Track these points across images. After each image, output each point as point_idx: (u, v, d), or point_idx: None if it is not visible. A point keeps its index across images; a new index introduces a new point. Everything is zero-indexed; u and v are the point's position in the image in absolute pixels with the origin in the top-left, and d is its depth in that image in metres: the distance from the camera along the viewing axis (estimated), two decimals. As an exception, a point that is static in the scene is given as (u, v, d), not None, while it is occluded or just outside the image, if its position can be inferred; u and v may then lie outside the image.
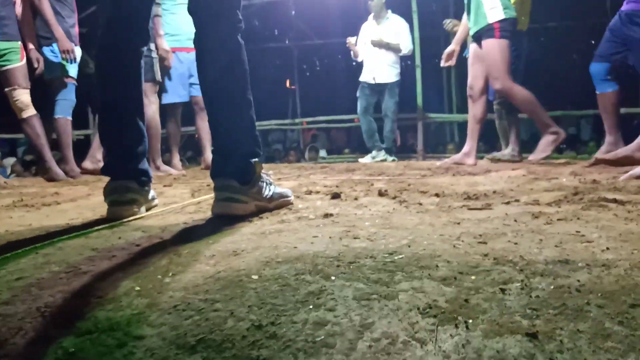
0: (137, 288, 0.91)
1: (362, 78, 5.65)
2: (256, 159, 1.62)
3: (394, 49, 5.47)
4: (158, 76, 3.85)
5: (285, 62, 11.07)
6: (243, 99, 1.61)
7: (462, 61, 5.09)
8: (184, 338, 0.75)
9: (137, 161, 1.70)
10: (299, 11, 9.91)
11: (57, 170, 3.55)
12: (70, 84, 3.73)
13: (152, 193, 1.82)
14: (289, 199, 1.74)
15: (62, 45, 3.57)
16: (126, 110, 1.68)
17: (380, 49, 5.46)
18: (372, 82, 5.55)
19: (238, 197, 1.56)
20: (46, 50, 3.67)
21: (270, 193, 1.65)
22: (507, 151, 4.07)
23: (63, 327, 0.79)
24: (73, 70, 3.72)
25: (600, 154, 3.05)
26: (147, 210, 1.74)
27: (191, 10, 1.60)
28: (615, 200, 1.52)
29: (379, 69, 5.51)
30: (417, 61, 6.62)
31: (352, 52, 5.72)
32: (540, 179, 2.28)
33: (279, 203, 1.68)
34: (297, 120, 9.42)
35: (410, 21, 6.64)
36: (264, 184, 1.64)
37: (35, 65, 3.58)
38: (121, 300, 0.87)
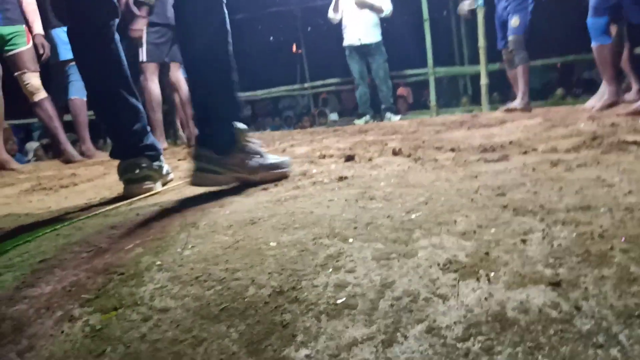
0: (158, 262, 0.91)
1: (346, 42, 5.64)
2: (240, 127, 1.54)
3: (377, 9, 5.43)
4: (142, 56, 3.75)
5: (290, 25, 10.86)
6: (226, 61, 1.53)
7: (470, 12, 4.95)
8: (207, 308, 0.76)
9: (139, 137, 1.69)
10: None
11: (73, 151, 3.59)
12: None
13: (166, 167, 1.82)
14: (283, 170, 1.60)
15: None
16: (110, 89, 1.64)
17: (362, 10, 5.39)
18: (358, 43, 5.52)
19: (211, 167, 1.49)
20: (59, 31, 3.62)
21: (257, 164, 1.54)
22: (517, 102, 4.02)
23: (88, 306, 0.81)
24: None
25: (601, 105, 2.95)
26: (163, 185, 1.75)
27: None
28: (635, 143, 1.48)
29: (363, 30, 5.47)
30: (425, 15, 6.45)
31: (332, 6, 5.59)
32: (557, 126, 2.23)
33: (268, 175, 1.55)
34: (306, 85, 9.31)
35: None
36: (248, 154, 1.53)
37: (41, 51, 3.55)
38: (143, 275, 0.88)
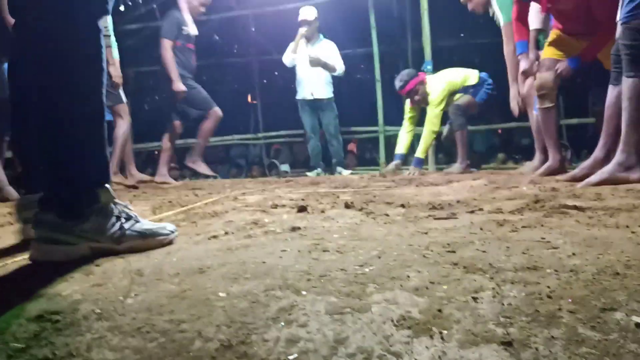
0: (98, 310, 0.86)
1: (299, 96, 5.80)
2: (102, 186, 1.28)
3: (330, 68, 5.65)
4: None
5: (246, 77, 11.01)
6: (88, 106, 1.25)
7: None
8: (148, 362, 0.71)
9: None
10: (259, 27, 9.91)
11: (10, 189, 3.40)
12: None
13: None
14: (160, 238, 1.33)
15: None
16: None
17: (316, 67, 5.59)
18: (311, 97, 5.69)
19: (58, 236, 1.21)
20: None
21: (122, 231, 1.27)
22: (455, 165, 4.29)
23: (17, 356, 0.74)
24: None
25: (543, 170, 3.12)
26: None
27: None
28: (575, 207, 1.56)
29: (316, 85, 5.65)
30: (377, 75, 6.73)
31: (290, 49, 5.74)
32: (501, 187, 2.32)
33: (137, 244, 1.28)
34: (259, 135, 9.37)
35: (369, 37, 6.76)
36: (112, 218, 1.27)
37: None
38: (80, 324, 0.82)
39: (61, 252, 1.21)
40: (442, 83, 4.49)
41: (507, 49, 3.77)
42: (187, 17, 4.49)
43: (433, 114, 4.47)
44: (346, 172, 5.62)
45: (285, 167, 8.33)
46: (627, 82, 2.18)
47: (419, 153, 4.55)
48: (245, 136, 9.22)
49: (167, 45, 4.43)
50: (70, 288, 0.98)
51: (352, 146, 9.75)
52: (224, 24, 9.76)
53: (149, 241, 1.31)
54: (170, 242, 1.36)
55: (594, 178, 2.22)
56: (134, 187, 3.91)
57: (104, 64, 1.29)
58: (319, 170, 5.77)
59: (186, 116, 4.74)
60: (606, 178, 2.18)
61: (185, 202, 2.40)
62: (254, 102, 11.18)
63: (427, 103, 4.56)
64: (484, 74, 4.49)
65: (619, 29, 2.21)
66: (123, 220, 1.29)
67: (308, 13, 5.65)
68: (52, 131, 1.23)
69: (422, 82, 4.54)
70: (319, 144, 5.89)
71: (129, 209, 1.34)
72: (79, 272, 1.09)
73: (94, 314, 0.85)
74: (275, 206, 2.00)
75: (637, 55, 2.15)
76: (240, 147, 11.01)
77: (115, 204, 1.30)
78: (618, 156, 2.21)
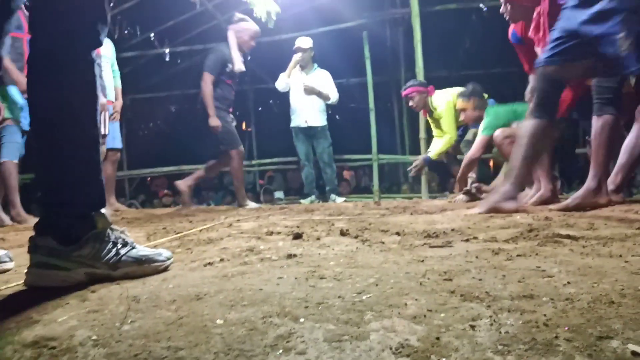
0: (94, 337, 0.85)
1: (294, 124, 5.82)
2: (98, 211, 1.29)
3: (324, 97, 5.72)
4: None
5: (241, 104, 11.12)
6: (82, 132, 1.28)
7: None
8: (146, 389, 0.70)
9: None
10: (255, 56, 10.05)
11: (3, 215, 3.38)
12: (15, 127, 3.60)
13: None
14: (156, 265, 1.33)
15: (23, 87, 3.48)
16: None
17: (310, 95, 5.66)
18: (305, 125, 5.72)
19: (54, 261, 1.21)
20: None
21: (118, 257, 1.28)
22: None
23: (11, 383, 0.73)
24: (18, 111, 3.61)
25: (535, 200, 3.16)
26: None
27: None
28: (569, 236, 1.58)
29: (310, 113, 5.70)
30: (371, 104, 6.82)
31: (288, 71, 5.80)
32: (494, 216, 2.33)
33: (133, 270, 1.28)
34: (253, 162, 9.40)
35: (363, 67, 6.87)
36: (108, 244, 1.28)
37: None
38: (77, 350, 0.81)
39: (57, 278, 1.20)
40: (448, 96, 4.70)
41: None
42: (235, 54, 4.52)
43: (448, 140, 4.78)
44: (340, 200, 5.63)
45: (279, 194, 8.34)
46: (530, 122, 2.41)
47: (432, 154, 4.74)
48: (240, 163, 9.21)
49: (208, 79, 4.45)
50: (66, 314, 0.98)
51: (346, 174, 9.81)
52: (220, 52, 9.90)
53: (144, 267, 1.31)
54: (166, 269, 1.36)
55: (480, 207, 2.46)
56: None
57: (98, 92, 1.33)
58: (313, 197, 5.78)
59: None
60: (490, 207, 2.41)
61: (179, 228, 2.39)
62: (249, 129, 11.26)
63: (420, 109, 5.02)
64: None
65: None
66: (119, 246, 1.29)
67: (303, 42, 5.75)
68: (48, 155, 1.27)
69: (422, 92, 4.85)
70: (313, 171, 5.92)
71: (125, 234, 1.34)
72: (74, 299, 1.09)
73: (90, 341, 0.84)
74: (271, 233, 2.00)
75: (541, 99, 2.38)
76: (233, 174, 11.04)
77: (112, 229, 1.31)
78: (505, 187, 2.45)
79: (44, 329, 0.91)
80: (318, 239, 1.80)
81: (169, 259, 1.38)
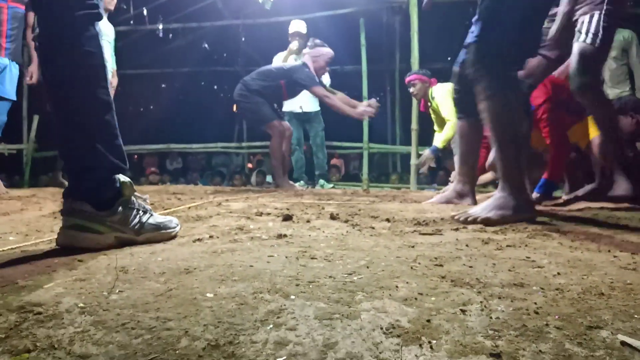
0: (81, 305, 0.84)
1: (287, 108, 5.74)
2: (124, 179, 1.37)
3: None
4: None
5: (233, 86, 11.03)
6: (94, 100, 1.34)
7: (406, 96, 5.27)
8: (133, 357, 0.69)
9: None
10: (249, 38, 9.95)
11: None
12: (3, 103, 3.57)
13: None
14: (170, 231, 1.44)
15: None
16: None
17: None
18: (299, 110, 5.69)
19: (90, 225, 1.29)
20: None
21: (141, 223, 1.38)
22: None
23: (-5, 346, 0.72)
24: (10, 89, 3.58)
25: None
26: None
27: None
28: (557, 230, 1.59)
29: (304, 98, 5.66)
30: (365, 93, 6.79)
31: (285, 58, 5.75)
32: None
33: (153, 236, 1.39)
34: (243, 144, 9.34)
35: (359, 54, 6.84)
36: (134, 210, 1.37)
37: None
38: (63, 317, 0.80)
39: (92, 240, 1.29)
40: (447, 86, 4.69)
41: None
42: None
43: (452, 125, 4.68)
44: (328, 186, 5.63)
45: (269, 178, 8.32)
46: (458, 124, 2.58)
47: (438, 142, 4.68)
48: (230, 144, 9.17)
49: (320, 90, 4.44)
50: (52, 281, 0.96)
51: (335, 161, 9.79)
52: (215, 33, 9.78)
53: (162, 233, 1.42)
54: (175, 236, 1.46)
55: (435, 199, 2.61)
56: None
57: (105, 62, 1.38)
58: (302, 182, 5.77)
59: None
60: (445, 202, 2.55)
61: (167, 205, 2.37)
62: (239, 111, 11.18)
63: (419, 98, 4.88)
64: None
65: None
66: (142, 213, 1.39)
67: (302, 26, 5.68)
68: (65, 125, 1.35)
69: (425, 82, 4.79)
70: (303, 156, 5.90)
71: (146, 202, 1.43)
72: (61, 267, 1.07)
73: (77, 308, 0.83)
74: (260, 214, 1.99)
75: (457, 100, 2.59)
76: (222, 155, 10.96)
77: (135, 197, 1.39)
78: (455, 185, 2.61)
79: (29, 295, 0.89)
80: (308, 221, 1.80)
81: (177, 226, 1.49)
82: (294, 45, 5.62)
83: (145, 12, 8.35)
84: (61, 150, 1.39)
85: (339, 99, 4.47)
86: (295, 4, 7.28)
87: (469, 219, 1.76)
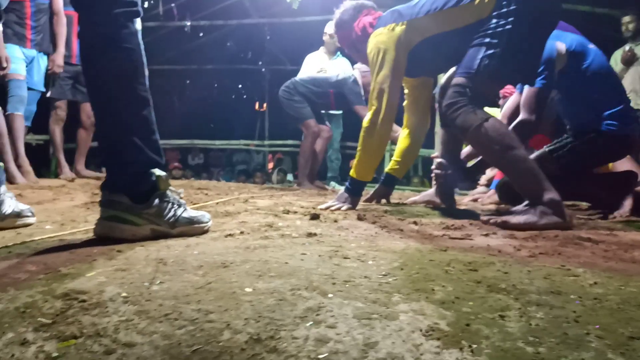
0: (124, 294, 0.86)
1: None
2: (160, 173, 1.40)
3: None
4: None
5: (257, 84, 11.10)
6: (132, 96, 1.38)
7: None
8: (177, 348, 0.71)
9: None
10: (274, 37, 9.99)
11: (16, 173, 3.40)
12: (19, 81, 3.66)
13: (10, 205, 1.58)
14: (202, 225, 1.47)
15: (59, 60, 3.81)
16: None
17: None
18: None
19: (127, 216, 1.33)
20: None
21: (176, 217, 1.41)
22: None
23: (44, 331, 0.74)
24: (22, 67, 3.69)
25: None
26: (2, 227, 1.52)
27: None
28: (589, 240, 1.57)
29: None
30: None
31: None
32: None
33: (187, 230, 1.42)
34: (266, 142, 9.39)
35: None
36: (169, 204, 1.40)
37: (4, 64, 3.45)
38: (107, 305, 0.82)
39: (129, 232, 1.32)
40: None
41: None
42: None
43: None
44: (340, 187, 5.59)
45: (289, 177, 8.36)
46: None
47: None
48: (252, 142, 9.23)
49: (363, 111, 4.35)
50: (94, 270, 0.99)
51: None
52: (240, 30, 9.85)
53: (195, 227, 1.44)
54: (207, 230, 1.48)
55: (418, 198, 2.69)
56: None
57: (143, 58, 1.41)
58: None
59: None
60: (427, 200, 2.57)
61: (195, 200, 2.40)
62: (262, 109, 11.24)
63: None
64: None
65: None
66: (176, 206, 1.41)
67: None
68: (104, 120, 1.40)
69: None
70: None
71: (180, 196, 1.45)
72: (100, 256, 1.09)
73: (120, 297, 0.85)
74: (287, 212, 2.00)
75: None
76: (242, 153, 11.04)
77: (170, 191, 1.43)
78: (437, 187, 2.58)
79: (72, 282, 0.92)
80: (335, 221, 1.80)
81: (209, 221, 1.51)
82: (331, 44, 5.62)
83: (174, 8, 8.43)
84: (100, 144, 1.44)
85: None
86: (324, 4, 7.29)
87: (498, 222, 1.76)
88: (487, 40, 1.90)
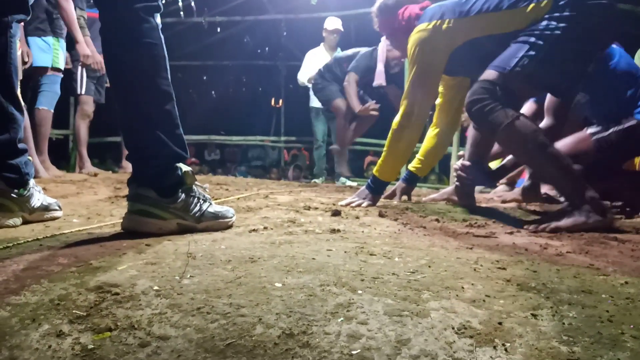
0: (156, 287, 0.87)
1: (315, 104, 5.66)
2: (186, 168, 1.42)
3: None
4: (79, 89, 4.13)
5: (273, 80, 11.09)
6: (155, 90, 1.37)
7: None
8: (211, 341, 0.71)
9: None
10: (291, 33, 9.97)
11: (39, 166, 3.45)
12: (56, 76, 3.69)
13: (39, 199, 1.55)
14: (227, 220, 1.47)
15: (83, 50, 3.74)
16: None
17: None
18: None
19: (154, 211, 1.34)
20: (37, 39, 3.61)
21: (201, 211, 1.42)
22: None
23: (79, 323, 0.75)
24: (62, 62, 3.70)
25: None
26: (30, 221, 1.51)
27: None
28: (616, 239, 1.54)
29: None
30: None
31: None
32: (533, 211, 2.30)
33: (212, 224, 1.43)
34: (283, 138, 9.40)
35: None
36: (194, 198, 1.41)
37: (26, 59, 3.49)
38: (140, 298, 0.83)
39: (155, 225, 1.33)
40: None
41: None
42: (380, 67, 4.66)
43: None
44: (351, 183, 5.54)
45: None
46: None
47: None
48: (268, 138, 9.25)
49: (352, 79, 4.70)
50: (125, 264, 1.00)
51: (370, 159, 9.75)
52: (256, 26, 9.85)
53: (220, 222, 1.45)
54: (232, 225, 1.49)
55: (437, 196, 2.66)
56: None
57: (165, 53, 1.41)
58: (322, 178, 5.73)
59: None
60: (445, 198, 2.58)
61: (217, 195, 2.41)
62: (278, 105, 11.25)
63: None
64: None
65: None
66: (202, 201, 1.41)
67: (340, 23, 5.67)
68: (128, 115, 1.39)
69: None
70: (325, 153, 5.88)
71: (206, 191, 1.46)
72: (130, 250, 1.11)
73: (152, 290, 0.86)
74: (308, 208, 2.01)
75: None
76: (258, 148, 11.06)
77: (196, 186, 1.43)
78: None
79: (104, 275, 0.93)
80: (357, 217, 1.80)
81: (234, 215, 1.52)
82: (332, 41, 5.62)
83: (193, 4, 8.46)
84: (125, 138, 1.45)
85: (354, 94, 4.70)
86: (341, 0, 7.27)
87: (539, 228, 1.70)
88: (532, 40, 1.81)
